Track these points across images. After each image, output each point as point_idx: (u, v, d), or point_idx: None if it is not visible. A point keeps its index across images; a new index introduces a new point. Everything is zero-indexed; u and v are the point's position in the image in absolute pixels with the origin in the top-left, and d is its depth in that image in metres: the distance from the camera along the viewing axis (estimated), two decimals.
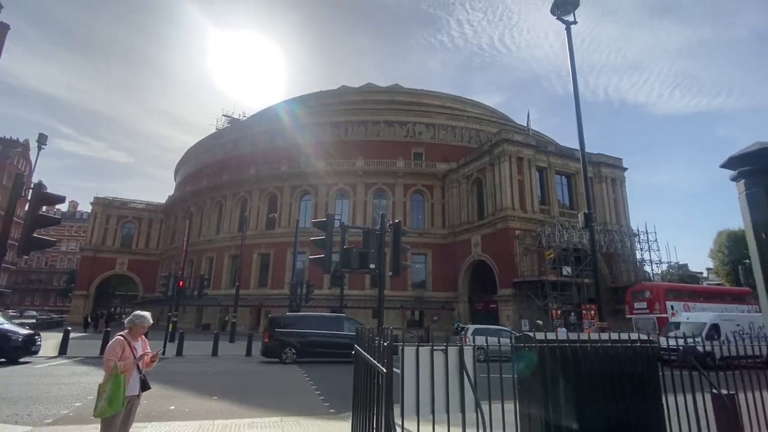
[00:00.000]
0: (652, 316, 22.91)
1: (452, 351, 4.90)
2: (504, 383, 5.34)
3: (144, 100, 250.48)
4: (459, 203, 39.73)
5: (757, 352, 6.89)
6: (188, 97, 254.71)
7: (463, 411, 4.67)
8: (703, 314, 20.33)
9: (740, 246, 44.32)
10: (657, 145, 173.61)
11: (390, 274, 9.97)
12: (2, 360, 14.03)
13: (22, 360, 14.55)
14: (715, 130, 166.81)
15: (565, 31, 11.57)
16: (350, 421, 6.09)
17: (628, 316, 24.47)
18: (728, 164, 1.04)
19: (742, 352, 6.92)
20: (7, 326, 15.00)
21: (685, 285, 29.60)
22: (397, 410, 4.26)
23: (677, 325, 18.56)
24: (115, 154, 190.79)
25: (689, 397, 5.84)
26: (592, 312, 18.46)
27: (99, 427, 4.60)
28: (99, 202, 58.40)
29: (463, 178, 39.62)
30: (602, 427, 5.17)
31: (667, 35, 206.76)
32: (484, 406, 4.81)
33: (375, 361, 3.60)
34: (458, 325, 33.28)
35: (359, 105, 50.14)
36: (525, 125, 44.21)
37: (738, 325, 18.10)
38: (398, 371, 4.41)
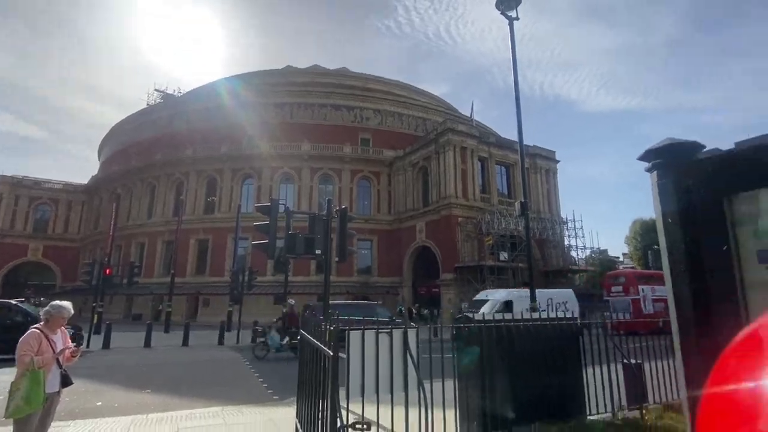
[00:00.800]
0: (627, 298, 25.51)
1: (397, 334, 5.06)
2: (446, 363, 5.61)
3: (61, 69, 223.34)
4: (405, 190, 40.38)
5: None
6: (114, 69, 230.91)
7: (406, 390, 4.85)
8: (499, 291, 21.80)
9: (650, 233, 49.71)
10: (589, 139, 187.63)
11: (336, 259, 9.96)
12: None
13: None
14: (637, 128, 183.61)
15: (508, 27, 12.03)
16: (295, 407, 6.09)
17: (605, 298, 27.02)
18: (644, 157, 1.16)
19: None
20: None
21: (653, 272, 32.79)
22: (342, 394, 4.33)
23: (483, 303, 19.92)
24: (25, 127, 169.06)
25: (605, 368, 6.54)
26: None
27: (11, 429, 4.19)
28: (6, 181, 51.80)
29: (410, 166, 40.24)
30: (532, 396, 5.66)
31: (596, 37, 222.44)
32: (426, 385, 5.03)
33: (321, 345, 3.62)
34: (401, 309, 34.19)
35: (306, 87, 48.71)
36: (469, 116, 45.64)
37: (534, 301, 19.60)
38: (343, 356, 4.47)
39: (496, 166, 38.19)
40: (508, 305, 18.99)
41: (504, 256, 32.35)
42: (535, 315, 8.02)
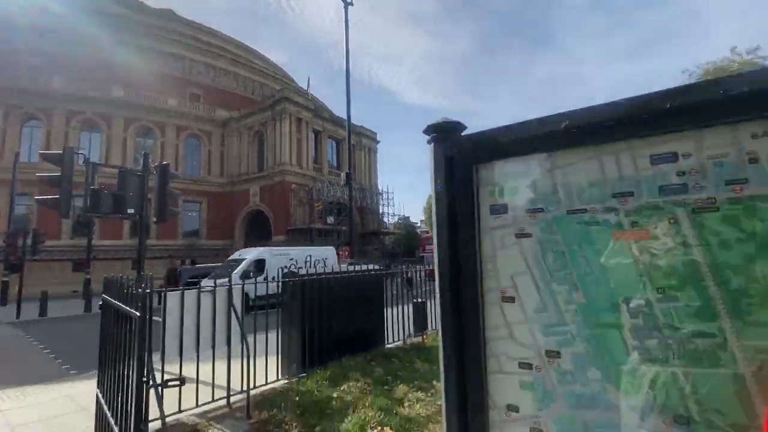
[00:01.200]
0: None
1: (220, 291, 4.70)
2: (272, 315, 5.54)
3: None
4: (239, 153, 37.05)
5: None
6: None
7: (228, 344, 4.63)
8: (252, 250, 18.36)
9: None
10: (405, 126, 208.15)
11: (154, 220, 8.45)
12: None
13: None
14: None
15: (344, 9, 11.97)
16: (96, 379, 5.08)
17: (421, 255, 30.03)
18: (426, 131, 1.32)
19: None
20: None
21: None
22: (158, 357, 3.83)
23: (240, 262, 16.52)
24: None
25: (401, 307, 7.64)
26: (347, 252, 21.23)
27: None
28: None
29: (245, 129, 36.94)
30: (345, 335, 6.19)
31: (414, 40, 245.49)
32: (252, 339, 4.90)
33: (127, 308, 3.05)
34: None
35: (120, 20, 38.22)
36: (306, 89, 44.36)
37: (291, 259, 16.38)
38: (158, 319, 3.91)
39: (328, 140, 38.66)
40: (259, 264, 16.03)
41: (331, 220, 33.67)
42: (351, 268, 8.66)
